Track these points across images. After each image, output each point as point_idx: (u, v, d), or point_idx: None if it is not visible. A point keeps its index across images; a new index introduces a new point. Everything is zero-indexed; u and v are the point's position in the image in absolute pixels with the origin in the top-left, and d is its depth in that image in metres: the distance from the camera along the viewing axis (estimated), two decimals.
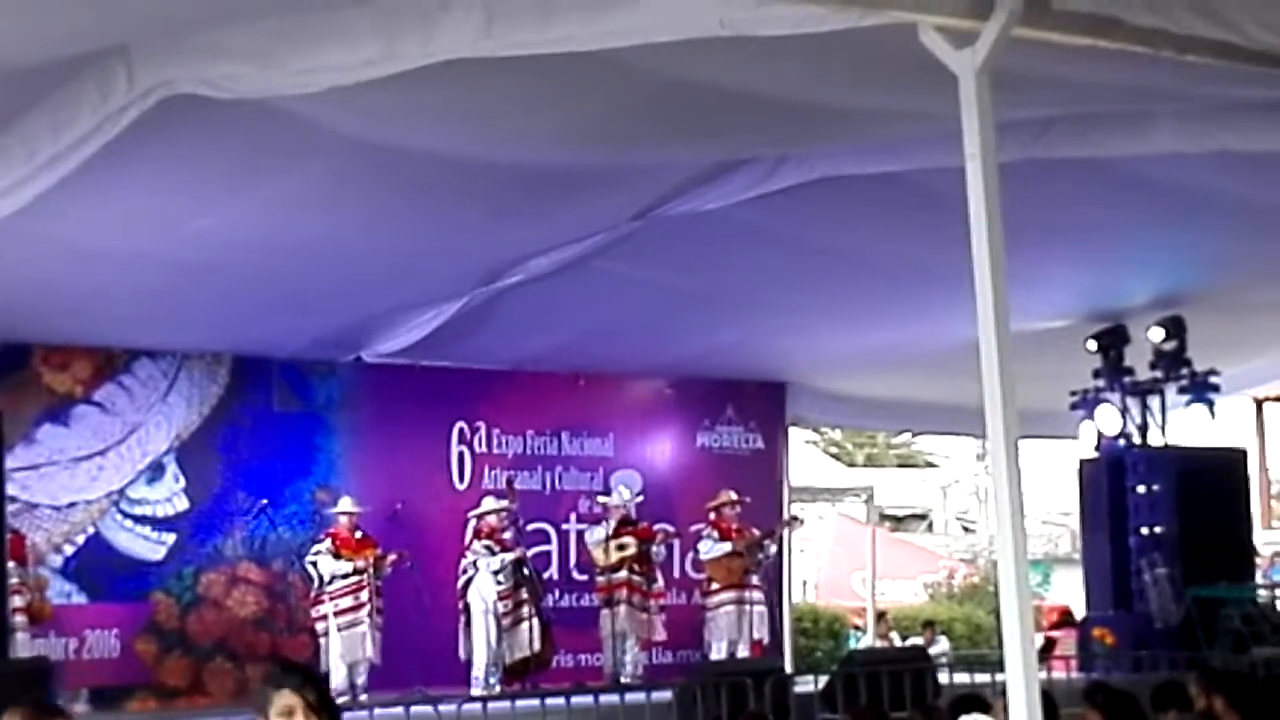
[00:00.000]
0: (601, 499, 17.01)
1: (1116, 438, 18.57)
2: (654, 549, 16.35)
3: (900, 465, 41.65)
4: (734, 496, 16.81)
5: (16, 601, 14.07)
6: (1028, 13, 5.97)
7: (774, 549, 17.35)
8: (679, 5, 7.26)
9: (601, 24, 7.55)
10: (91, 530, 15.82)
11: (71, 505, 15.66)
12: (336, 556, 15.00)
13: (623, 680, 15.50)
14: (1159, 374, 18.26)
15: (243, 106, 9.34)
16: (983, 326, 5.99)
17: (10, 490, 14.02)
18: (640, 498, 16.98)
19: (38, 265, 12.62)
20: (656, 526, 16.65)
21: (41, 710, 5.30)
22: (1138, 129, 10.80)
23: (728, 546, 16.45)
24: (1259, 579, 20.95)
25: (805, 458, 30.08)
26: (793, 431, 21.05)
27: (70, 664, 15.00)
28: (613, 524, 16.25)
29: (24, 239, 11.32)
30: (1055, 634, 20.85)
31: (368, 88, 8.55)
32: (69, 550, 15.60)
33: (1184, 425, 18.60)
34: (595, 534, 16.43)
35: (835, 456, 39.42)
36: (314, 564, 15.11)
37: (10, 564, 14.04)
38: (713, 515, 16.74)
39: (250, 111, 9.51)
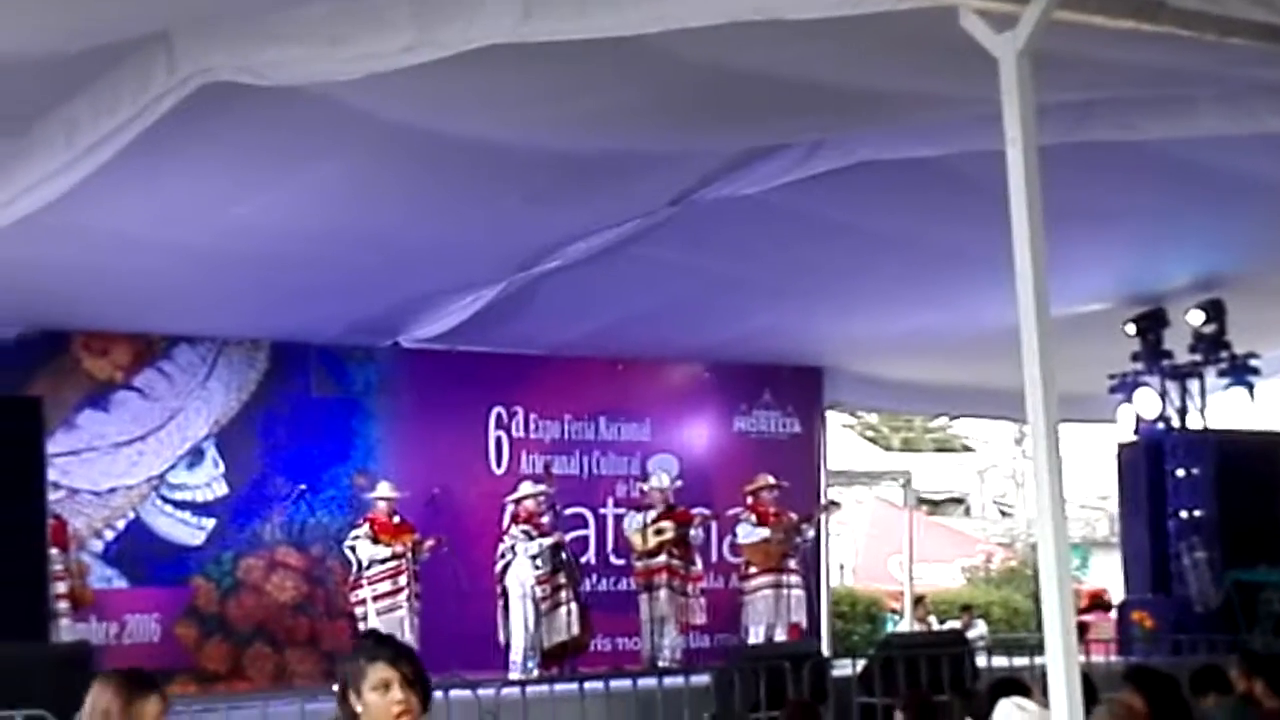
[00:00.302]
0: (644, 485, 17.01)
1: (1155, 421, 18.51)
2: (691, 532, 16.37)
3: (937, 449, 41.57)
4: (771, 481, 16.81)
5: (59, 588, 14.21)
6: None
7: (811, 533, 17.34)
8: None
9: (638, 9, 7.54)
10: (132, 515, 15.92)
11: (112, 490, 15.77)
12: (375, 541, 15.05)
13: (661, 664, 15.52)
14: (1198, 357, 18.18)
15: (281, 93, 9.36)
16: (1023, 311, 5.96)
17: (51, 476, 14.13)
18: (680, 482, 16.98)
19: (78, 252, 12.69)
20: (694, 510, 16.66)
21: (131, 680, 5.23)
22: (1179, 112, 10.74)
23: (765, 531, 16.46)
24: None
25: (842, 442, 30.08)
26: (829, 416, 21.03)
27: (111, 648, 15.07)
28: (657, 509, 16.25)
29: (64, 226, 11.38)
30: (1088, 618, 20.78)
31: (406, 73, 8.56)
32: (109, 535, 15.71)
33: (1224, 409, 18.51)
34: (635, 520, 16.41)
35: (872, 440, 39.38)
36: (352, 549, 15.17)
37: (53, 550, 14.18)
38: (750, 499, 16.74)
39: (288, 98, 9.54)
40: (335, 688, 4.58)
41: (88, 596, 14.89)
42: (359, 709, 4.43)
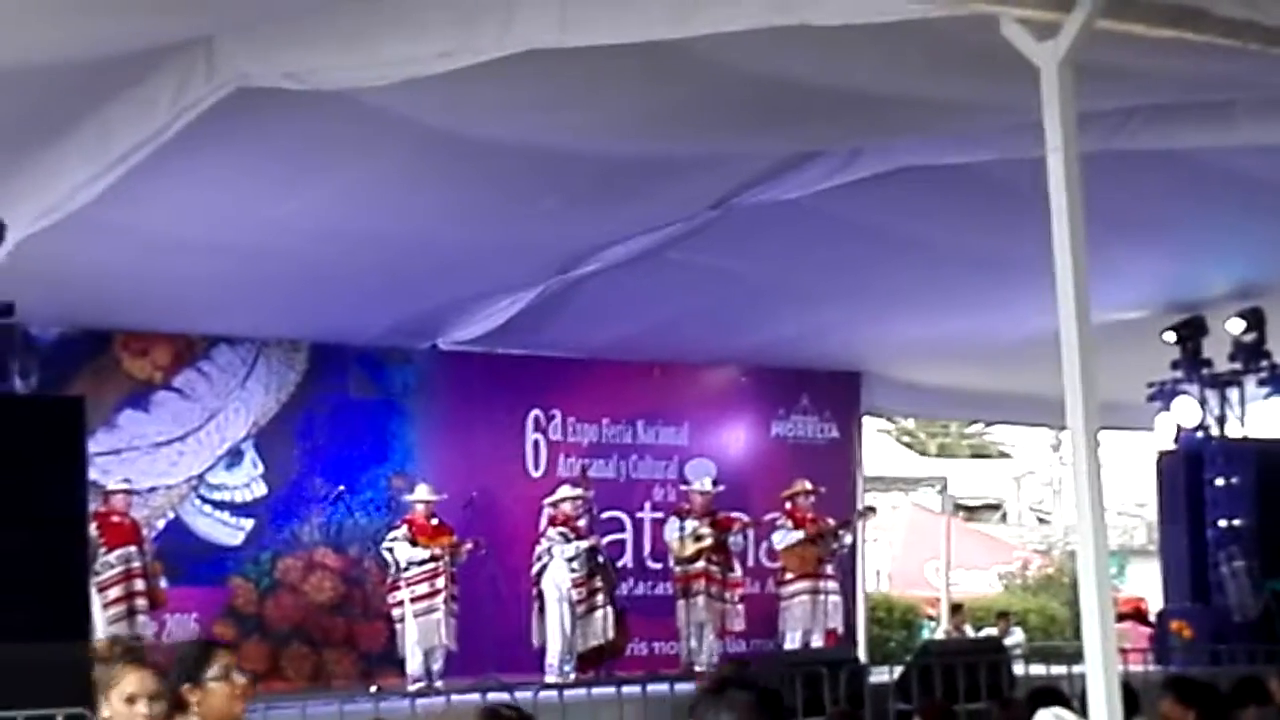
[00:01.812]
0: (689, 488, 16.99)
1: (1195, 430, 18.40)
2: (732, 539, 16.37)
3: (973, 455, 41.42)
4: (809, 486, 16.79)
5: (137, 585, 14.56)
6: (1111, 4, 5.94)
7: (848, 539, 17.32)
8: None
9: (672, 16, 7.56)
10: (171, 515, 15.98)
11: (152, 490, 15.82)
12: (413, 543, 15.08)
13: (698, 669, 15.52)
14: (1238, 366, 18.06)
15: (321, 96, 9.42)
16: (1063, 318, 5.96)
17: (91, 475, 14.18)
18: (720, 487, 16.97)
19: (119, 253, 12.76)
20: (733, 516, 16.66)
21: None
22: (1219, 120, 10.71)
23: (801, 535, 16.44)
24: None
25: (879, 447, 29.99)
26: (866, 421, 20.99)
27: (150, 647, 15.12)
28: (698, 514, 16.24)
29: (106, 227, 11.45)
30: (1120, 626, 20.60)
31: (446, 77, 8.60)
32: (149, 535, 15.74)
33: (1263, 418, 18.41)
34: (676, 527, 16.36)
35: (908, 446, 39.24)
36: (390, 550, 15.19)
37: (131, 549, 14.57)
38: (787, 505, 16.73)
39: (328, 100, 9.60)
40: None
41: (161, 596, 15.02)
42: None
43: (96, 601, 14.00)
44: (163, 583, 15.14)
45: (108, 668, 4.99)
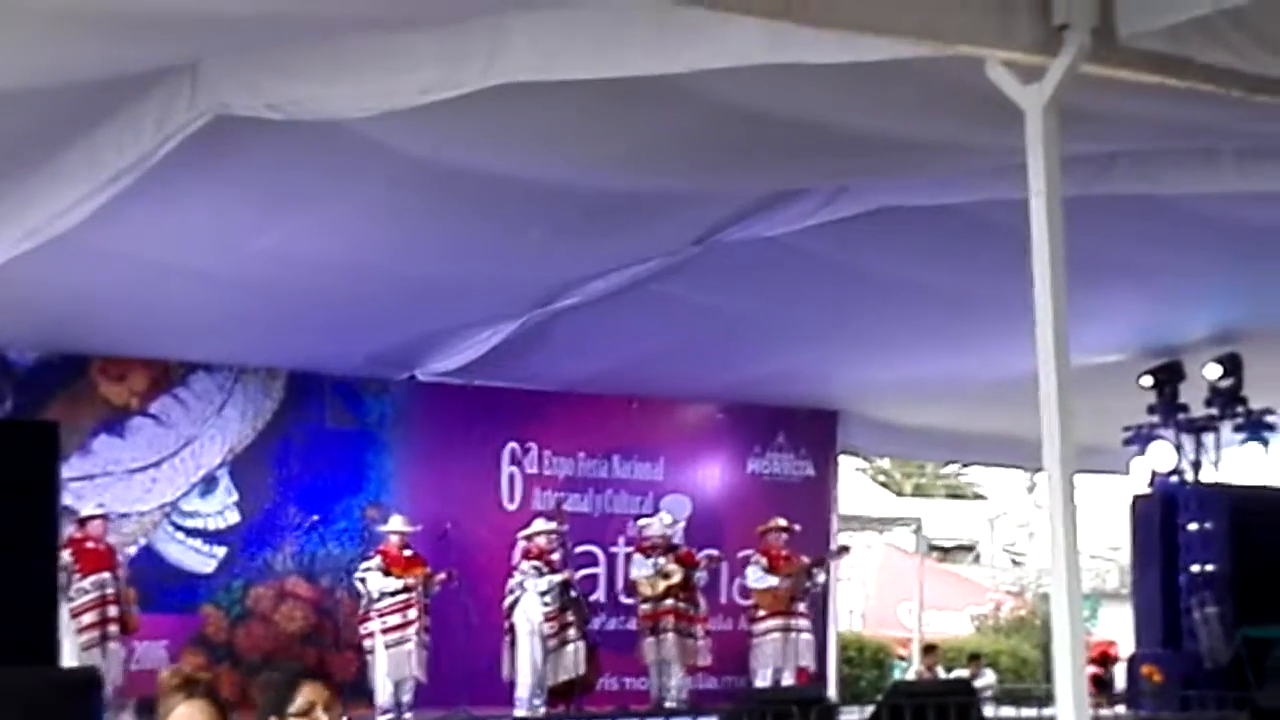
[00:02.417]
0: (642, 522, 16.95)
1: (1169, 474, 18.42)
2: (696, 574, 16.33)
3: (948, 496, 41.42)
4: (783, 523, 16.79)
5: (111, 611, 14.45)
6: (1096, 49, 5.95)
7: (822, 577, 17.30)
8: (739, 34, 7.25)
9: (659, 51, 7.57)
10: (144, 542, 15.94)
11: (125, 516, 15.76)
12: (386, 574, 15.04)
13: (667, 705, 15.48)
14: (1214, 411, 18.10)
15: (305, 125, 9.41)
16: (1042, 361, 5.97)
17: (65, 500, 14.14)
18: (681, 524, 16.93)
19: (98, 278, 12.74)
20: (701, 553, 16.64)
21: None
22: (1201, 166, 10.76)
23: (775, 582, 16.41)
24: None
25: (854, 486, 29.97)
26: (842, 459, 20.99)
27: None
28: (663, 553, 16.20)
29: (85, 252, 11.42)
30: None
31: (429, 109, 8.60)
32: (122, 561, 15.68)
33: (1238, 463, 18.44)
34: (645, 566, 16.33)
35: (884, 485, 39.25)
36: (363, 581, 15.17)
37: (105, 574, 14.45)
38: (762, 542, 16.72)
39: (312, 130, 9.59)
40: None
41: (134, 622, 14.93)
42: None
43: (70, 627, 14.01)
44: (135, 609, 15.07)
45: (165, 698, 4.90)
